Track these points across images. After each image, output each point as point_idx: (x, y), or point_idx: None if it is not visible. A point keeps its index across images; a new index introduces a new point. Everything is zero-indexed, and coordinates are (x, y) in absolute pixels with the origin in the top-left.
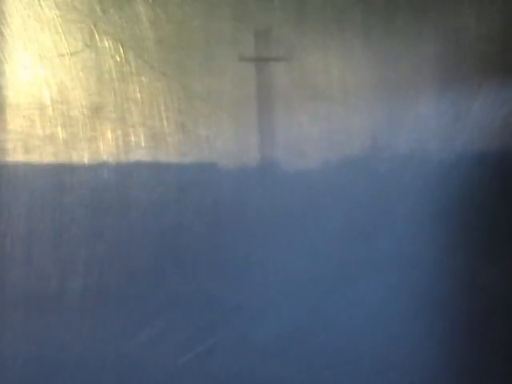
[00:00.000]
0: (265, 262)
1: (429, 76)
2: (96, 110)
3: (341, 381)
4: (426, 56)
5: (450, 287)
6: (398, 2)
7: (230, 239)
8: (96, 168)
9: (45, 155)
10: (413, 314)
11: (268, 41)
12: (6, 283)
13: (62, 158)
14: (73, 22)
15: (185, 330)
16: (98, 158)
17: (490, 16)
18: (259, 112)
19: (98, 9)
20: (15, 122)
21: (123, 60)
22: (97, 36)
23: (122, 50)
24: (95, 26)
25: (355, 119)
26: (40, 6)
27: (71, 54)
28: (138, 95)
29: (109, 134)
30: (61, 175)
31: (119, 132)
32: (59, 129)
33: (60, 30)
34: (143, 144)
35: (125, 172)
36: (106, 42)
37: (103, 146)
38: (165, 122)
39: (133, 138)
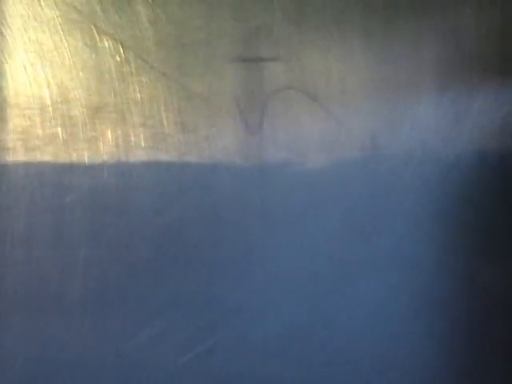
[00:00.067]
0: (265, 261)
1: (429, 76)
2: (96, 110)
3: (341, 380)
4: (426, 56)
5: (449, 287)
6: (398, 3)
7: (230, 239)
8: (96, 168)
9: (45, 155)
10: (412, 314)
11: (268, 41)
12: (6, 283)
13: (62, 158)
14: (73, 22)
15: (185, 329)
16: (98, 158)
17: (490, 16)
18: (259, 112)
19: (98, 9)
20: (15, 122)
21: (123, 60)
22: (97, 36)
23: (121, 50)
24: (95, 26)
25: (355, 119)
26: (40, 6)
27: (71, 54)
28: (138, 95)
29: (109, 134)
30: (61, 175)
31: (119, 132)
32: (59, 129)
33: (60, 30)
34: (143, 144)
35: (125, 172)
36: (106, 42)
37: (103, 146)
38: (165, 122)
39: (133, 138)
